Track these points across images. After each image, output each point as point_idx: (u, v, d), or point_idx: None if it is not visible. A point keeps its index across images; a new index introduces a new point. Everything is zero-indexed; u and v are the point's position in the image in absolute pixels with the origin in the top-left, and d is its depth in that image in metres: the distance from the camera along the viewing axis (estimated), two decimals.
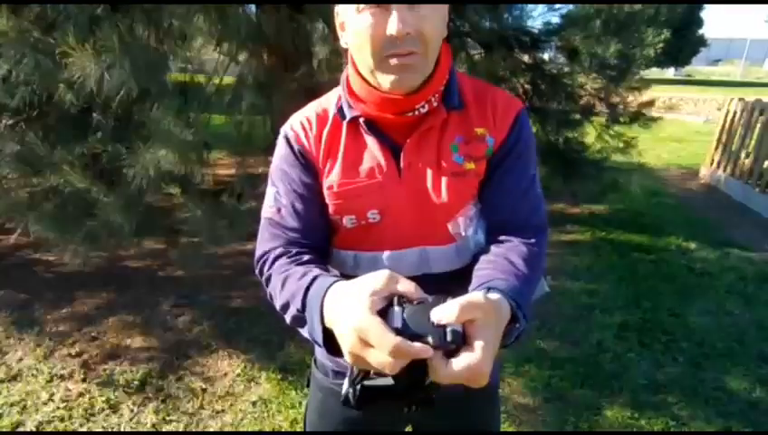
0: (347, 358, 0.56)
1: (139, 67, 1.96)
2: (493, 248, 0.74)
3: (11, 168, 2.44)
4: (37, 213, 2.34)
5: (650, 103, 3.72)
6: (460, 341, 0.52)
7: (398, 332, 0.51)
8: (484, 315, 0.53)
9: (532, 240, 0.75)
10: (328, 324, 0.59)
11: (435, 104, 0.73)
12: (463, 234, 0.77)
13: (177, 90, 2.38)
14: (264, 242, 0.78)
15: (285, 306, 0.70)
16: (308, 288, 0.65)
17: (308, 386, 0.99)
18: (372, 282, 0.55)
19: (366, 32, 0.65)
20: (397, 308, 0.54)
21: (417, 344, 0.51)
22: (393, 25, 0.63)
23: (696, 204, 4.92)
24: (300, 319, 0.67)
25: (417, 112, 0.72)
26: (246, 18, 2.63)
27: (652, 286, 3.10)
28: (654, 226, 4.16)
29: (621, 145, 3.72)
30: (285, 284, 0.70)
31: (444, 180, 0.74)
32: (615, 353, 2.41)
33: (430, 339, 0.51)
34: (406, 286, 0.55)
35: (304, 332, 0.68)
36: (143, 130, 2.16)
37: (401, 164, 0.75)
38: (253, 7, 2.92)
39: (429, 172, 0.75)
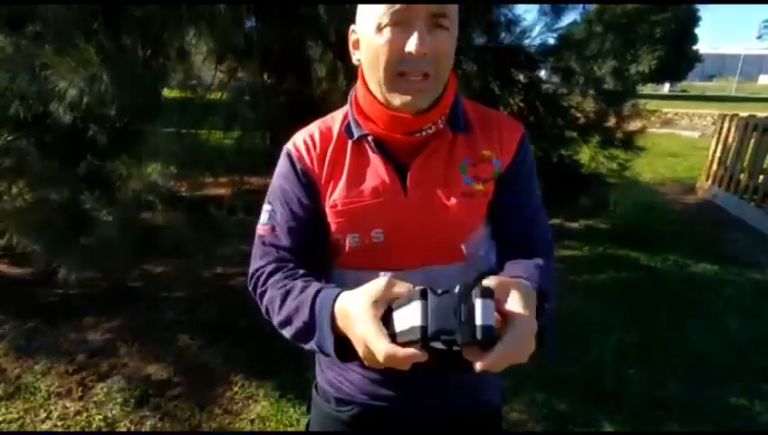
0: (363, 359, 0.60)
1: (125, 81, 1.97)
2: (506, 265, 0.78)
3: (8, 182, 2.45)
4: (34, 231, 2.34)
5: (641, 130, 3.74)
6: (491, 337, 0.50)
7: (422, 331, 0.50)
8: (516, 288, 0.56)
9: (543, 259, 0.79)
10: (342, 331, 0.62)
11: (441, 126, 0.75)
12: (475, 254, 0.78)
13: (173, 105, 2.41)
14: (257, 259, 0.79)
15: (287, 321, 0.71)
16: (314, 299, 0.67)
17: (308, 411, 0.97)
18: (372, 289, 0.58)
19: (384, 47, 0.67)
20: (418, 302, 0.51)
21: (410, 350, 0.52)
22: (413, 44, 0.65)
23: (693, 218, 4.95)
24: (305, 332, 0.68)
25: (424, 133, 0.74)
26: (244, 33, 2.68)
27: (650, 302, 3.11)
28: (651, 240, 4.17)
29: (616, 167, 3.75)
30: (287, 299, 0.71)
31: (453, 201, 0.75)
32: (615, 370, 2.40)
33: (459, 337, 0.49)
34: (405, 288, 0.57)
35: (308, 345, 0.69)
36: (136, 146, 2.17)
37: (407, 183, 0.75)
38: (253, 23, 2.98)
39: (437, 192, 0.76)
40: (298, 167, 0.78)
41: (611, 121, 3.63)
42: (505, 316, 0.54)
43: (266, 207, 0.80)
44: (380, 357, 0.54)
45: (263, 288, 0.76)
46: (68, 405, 2.11)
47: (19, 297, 3.01)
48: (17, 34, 2.14)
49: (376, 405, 0.84)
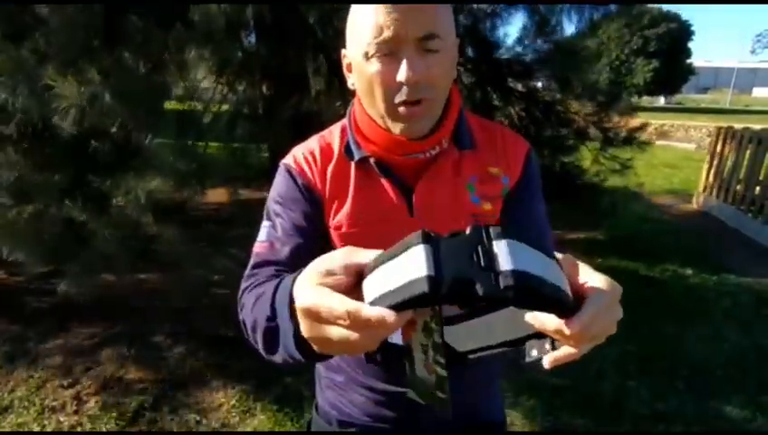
0: (314, 346, 0.45)
1: (127, 97, 1.99)
2: None
3: (7, 196, 2.45)
4: (32, 243, 2.34)
5: (642, 127, 3.78)
6: (524, 287, 0.36)
7: (431, 280, 0.36)
8: (590, 271, 0.44)
9: None
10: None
11: (445, 145, 0.72)
12: None
13: (173, 118, 2.42)
14: (244, 280, 0.71)
15: (254, 326, 0.59)
16: (276, 287, 0.55)
17: (308, 430, 0.94)
18: (326, 257, 0.45)
19: (375, 79, 0.64)
20: (420, 248, 0.38)
21: (378, 309, 0.37)
22: (403, 73, 0.62)
23: (691, 229, 4.96)
24: (270, 332, 0.56)
25: (427, 154, 0.71)
26: (244, 50, 2.71)
27: (650, 313, 3.10)
28: (650, 251, 4.18)
29: (618, 167, 3.77)
30: (257, 301, 0.61)
31: (462, 222, 0.71)
32: (615, 382, 2.39)
33: (478, 287, 0.36)
34: (369, 256, 0.43)
35: (280, 353, 0.56)
36: (136, 160, 2.18)
37: (413, 206, 0.73)
38: (252, 39, 3.01)
39: (445, 213, 0.73)
40: (300, 181, 0.75)
41: (609, 122, 3.66)
42: (582, 291, 0.42)
43: (265, 224, 0.75)
44: (341, 320, 0.39)
45: (242, 302, 0.66)
46: (62, 419, 2.08)
47: (13, 309, 2.98)
48: (18, 48, 2.15)
49: (378, 427, 0.83)
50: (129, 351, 2.59)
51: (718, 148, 5.58)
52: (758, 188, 4.74)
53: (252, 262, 0.73)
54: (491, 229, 0.39)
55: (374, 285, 0.40)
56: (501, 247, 0.38)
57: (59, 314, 2.91)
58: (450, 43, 0.67)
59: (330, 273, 0.42)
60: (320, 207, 0.75)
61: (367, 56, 0.64)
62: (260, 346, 0.60)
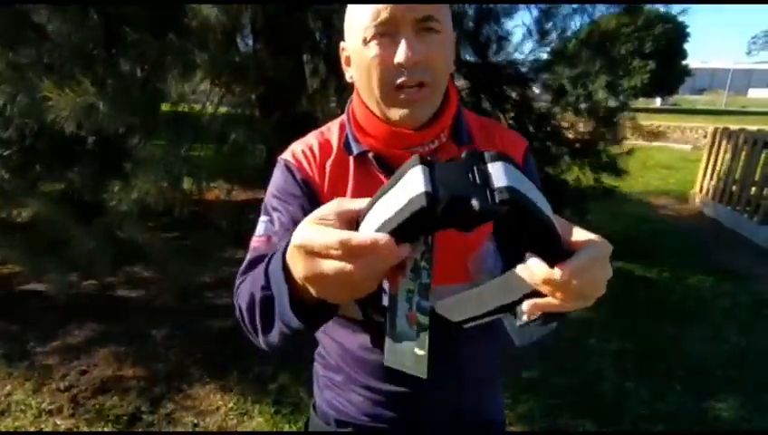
0: (311, 289, 0.45)
1: (123, 104, 1.99)
2: None
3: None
4: (15, 243, 2.34)
5: (628, 153, 3.80)
6: (517, 203, 0.38)
7: (429, 196, 0.37)
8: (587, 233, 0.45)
9: None
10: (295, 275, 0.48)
11: (444, 139, 0.72)
12: (481, 272, 0.73)
13: (168, 122, 2.41)
14: (240, 274, 0.70)
15: (251, 304, 0.59)
16: (270, 259, 0.55)
17: (306, 430, 0.94)
18: (317, 209, 0.45)
19: (374, 61, 0.64)
20: (418, 169, 0.39)
21: (374, 234, 0.39)
22: (402, 53, 0.62)
23: (688, 230, 4.97)
24: (266, 304, 0.55)
25: (426, 148, 0.71)
26: (241, 54, 2.70)
27: (648, 313, 3.10)
28: (647, 252, 4.19)
29: (600, 192, 3.78)
30: (252, 281, 0.60)
31: None
32: (614, 382, 2.39)
33: (474, 202, 0.37)
34: (360, 204, 0.45)
35: (276, 329, 0.56)
36: (128, 164, 2.18)
37: None
38: (250, 43, 3.00)
39: None
40: (298, 176, 0.74)
41: (604, 145, 3.65)
42: (574, 245, 0.44)
43: (263, 219, 0.75)
44: (335, 248, 0.40)
45: (236, 295, 0.66)
46: (59, 423, 2.07)
47: (11, 310, 2.96)
48: (17, 54, 2.15)
49: (377, 427, 0.82)
50: (127, 352, 2.58)
51: (714, 149, 5.60)
52: (754, 189, 4.76)
53: (248, 257, 0.72)
54: (486, 153, 0.41)
55: (371, 220, 0.41)
56: (496, 168, 0.39)
57: (58, 315, 2.89)
58: (449, 30, 0.67)
59: (323, 218, 0.43)
60: (318, 202, 0.73)
61: (365, 41, 0.64)
62: (258, 326, 0.60)
